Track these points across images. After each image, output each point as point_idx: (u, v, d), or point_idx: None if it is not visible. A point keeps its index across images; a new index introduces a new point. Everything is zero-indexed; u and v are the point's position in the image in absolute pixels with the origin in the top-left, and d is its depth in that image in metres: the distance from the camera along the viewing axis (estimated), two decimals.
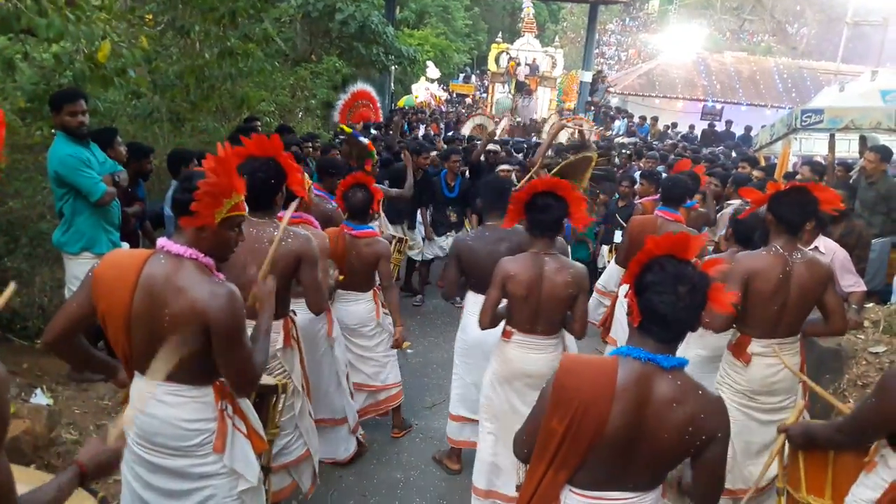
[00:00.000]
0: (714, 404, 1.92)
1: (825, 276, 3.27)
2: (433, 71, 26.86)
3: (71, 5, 4.40)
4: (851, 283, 4.34)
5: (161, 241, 2.22)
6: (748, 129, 16.70)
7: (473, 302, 4.00)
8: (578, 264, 3.40)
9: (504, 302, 3.40)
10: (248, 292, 2.51)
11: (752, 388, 3.35)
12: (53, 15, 4.14)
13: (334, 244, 4.11)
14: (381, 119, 7.00)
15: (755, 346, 3.34)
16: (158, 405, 2.24)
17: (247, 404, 2.48)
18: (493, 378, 3.52)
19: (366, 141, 6.93)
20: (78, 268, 4.12)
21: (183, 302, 2.12)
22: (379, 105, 7.13)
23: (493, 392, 3.53)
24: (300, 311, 3.40)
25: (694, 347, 4.08)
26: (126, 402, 2.38)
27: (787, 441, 2.59)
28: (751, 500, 3.06)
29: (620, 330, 5.29)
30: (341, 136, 7.21)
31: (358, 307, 4.30)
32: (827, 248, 4.24)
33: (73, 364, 3.12)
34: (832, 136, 7.34)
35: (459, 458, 4.27)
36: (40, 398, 3.96)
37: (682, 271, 1.86)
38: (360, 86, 7.00)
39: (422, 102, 24.11)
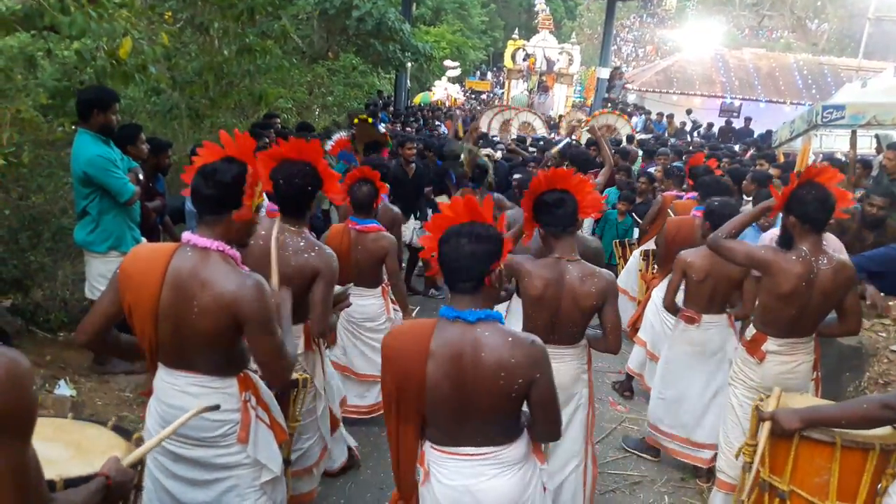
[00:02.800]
0: (524, 348, 2.05)
1: (850, 280, 3.21)
2: (454, 71, 27.05)
3: (93, 3, 4.45)
4: None
5: (186, 235, 2.24)
6: (769, 132, 16.49)
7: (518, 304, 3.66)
8: (605, 271, 3.06)
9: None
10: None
11: (765, 385, 3.31)
12: (76, 12, 4.18)
13: (339, 240, 4.05)
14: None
15: (770, 344, 3.32)
16: (182, 396, 2.26)
17: (269, 395, 2.50)
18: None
19: (383, 129, 7.06)
20: (105, 266, 4.15)
21: (211, 294, 2.14)
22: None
23: None
24: None
25: (679, 344, 4.21)
26: (149, 394, 2.41)
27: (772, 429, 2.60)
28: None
29: (650, 330, 5.23)
30: (354, 123, 7.27)
31: (366, 302, 4.28)
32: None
33: (113, 355, 3.15)
34: (854, 133, 7.26)
35: None
36: (64, 389, 4.02)
37: (468, 228, 2.06)
38: (342, 134, 7.22)
39: (438, 100, 24.17)
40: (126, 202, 4.12)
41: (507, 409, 2.11)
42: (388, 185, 4.51)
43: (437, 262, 2.12)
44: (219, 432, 2.29)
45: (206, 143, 2.26)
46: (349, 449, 4.00)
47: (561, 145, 8.67)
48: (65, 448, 1.94)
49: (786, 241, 3.23)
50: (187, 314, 2.16)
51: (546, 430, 2.21)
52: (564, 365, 3.07)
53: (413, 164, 7.43)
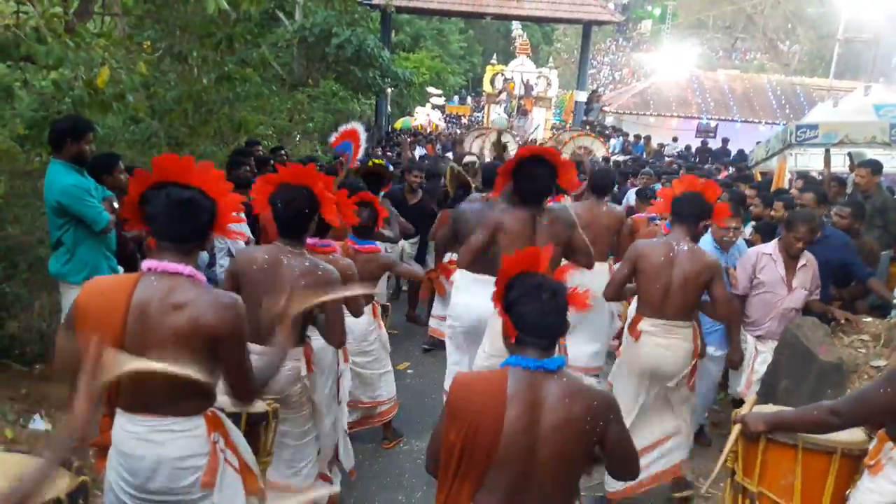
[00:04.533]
0: (598, 391, 2.12)
1: (706, 267, 3.68)
2: (437, 99, 27.46)
3: (70, 32, 4.44)
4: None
5: (148, 263, 2.13)
6: (741, 152, 16.71)
7: (461, 279, 4.20)
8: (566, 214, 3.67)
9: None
10: (268, 314, 2.47)
11: (640, 365, 3.76)
12: (53, 42, 4.17)
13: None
14: (357, 161, 7.15)
15: (645, 324, 3.75)
16: (144, 444, 2.10)
17: (239, 438, 2.34)
18: (487, 360, 3.63)
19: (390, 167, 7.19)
20: None
21: (189, 316, 2.05)
22: (361, 142, 7.17)
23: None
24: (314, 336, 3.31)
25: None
26: (100, 445, 2.25)
27: (741, 431, 2.67)
28: None
29: None
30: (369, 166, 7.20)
31: (358, 321, 4.29)
32: (809, 261, 4.30)
33: None
34: (827, 151, 7.39)
35: None
36: (39, 424, 3.93)
37: (540, 282, 2.05)
38: (353, 125, 7.19)
39: (419, 125, 24.35)
40: (101, 231, 4.07)
41: (581, 462, 2.06)
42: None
43: (508, 321, 2.06)
44: (189, 481, 2.13)
45: (137, 170, 2.19)
46: None
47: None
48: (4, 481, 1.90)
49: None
50: (161, 343, 2.04)
51: (626, 467, 2.16)
52: None
53: (418, 192, 7.34)
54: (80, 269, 4.10)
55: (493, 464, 1.96)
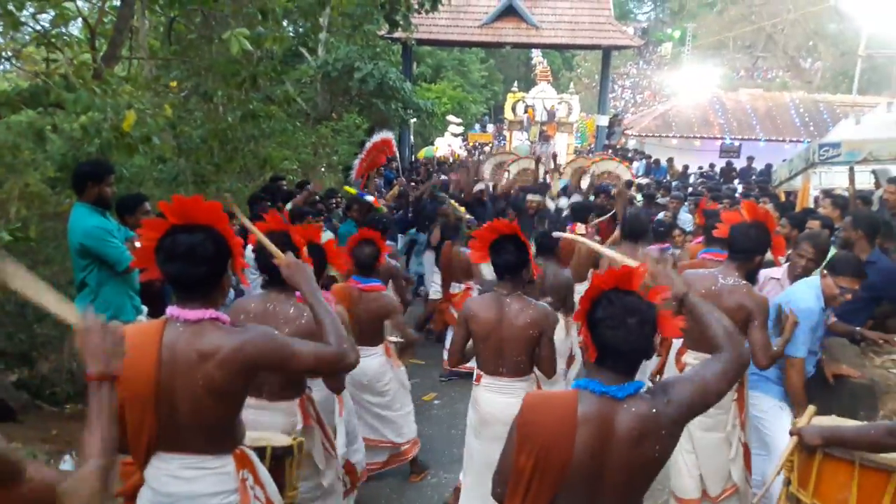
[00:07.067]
0: (668, 418, 1.97)
1: (741, 305, 3.33)
2: (457, 127, 27.75)
3: (98, 79, 4.59)
4: None
5: (171, 310, 2.15)
6: (769, 166, 16.54)
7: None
8: (542, 304, 3.45)
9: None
10: None
11: None
12: (81, 90, 4.31)
13: (345, 298, 4.16)
14: (395, 162, 7.61)
15: (689, 356, 3.61)
16: (176, 482, 2.13)
17: (266, 475, 2.35)
18: (468, 427, 3.63)
19: (371, 199, 7.25)
20: None
21: (223, 354, 2.06)
22: (395, 148, 7.53)
23: (470, 441, 3.62)
24: (316, 389, 3.31)
25: None
26: (127, 493, 2.25)
27: (798, 444, 2.65)
28: None
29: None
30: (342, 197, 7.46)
31: (369, 362, 4.27)
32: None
33: None
34: (852, 169, 7.29)
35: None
36: (69, 465, 3.98)
37: (630, 304, 1.93)
38: (381, 134, 7.56)
39: (442, 156, 24.52)
40: (124, 271, 4.14)
41: (647, 487, 2.03)
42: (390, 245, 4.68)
43: (589, 340, 1.98)
44: None
45: (144, 221, 2.19)
46: None
47: None
48: None
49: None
50: (189, 389, 2.06)
51: None
52: (513, 399, 3.28)
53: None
54: (104, 310, 4.15)
55: (563, 487, 1.94)
